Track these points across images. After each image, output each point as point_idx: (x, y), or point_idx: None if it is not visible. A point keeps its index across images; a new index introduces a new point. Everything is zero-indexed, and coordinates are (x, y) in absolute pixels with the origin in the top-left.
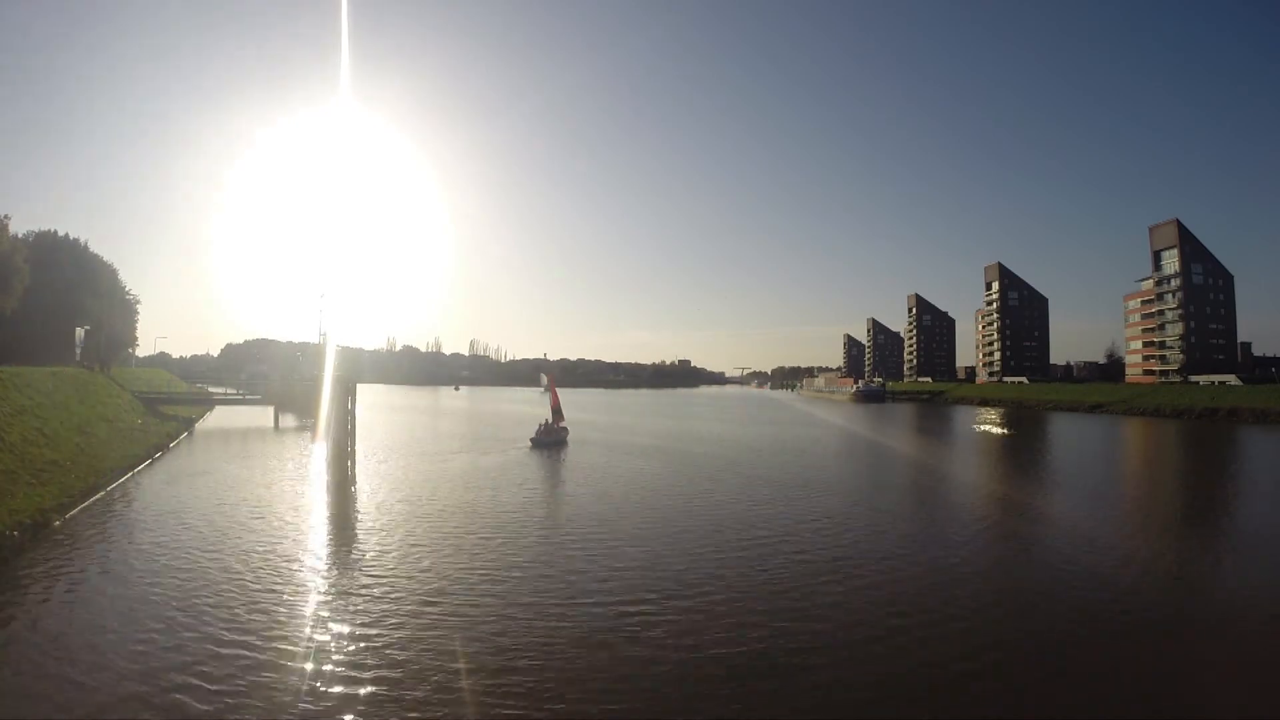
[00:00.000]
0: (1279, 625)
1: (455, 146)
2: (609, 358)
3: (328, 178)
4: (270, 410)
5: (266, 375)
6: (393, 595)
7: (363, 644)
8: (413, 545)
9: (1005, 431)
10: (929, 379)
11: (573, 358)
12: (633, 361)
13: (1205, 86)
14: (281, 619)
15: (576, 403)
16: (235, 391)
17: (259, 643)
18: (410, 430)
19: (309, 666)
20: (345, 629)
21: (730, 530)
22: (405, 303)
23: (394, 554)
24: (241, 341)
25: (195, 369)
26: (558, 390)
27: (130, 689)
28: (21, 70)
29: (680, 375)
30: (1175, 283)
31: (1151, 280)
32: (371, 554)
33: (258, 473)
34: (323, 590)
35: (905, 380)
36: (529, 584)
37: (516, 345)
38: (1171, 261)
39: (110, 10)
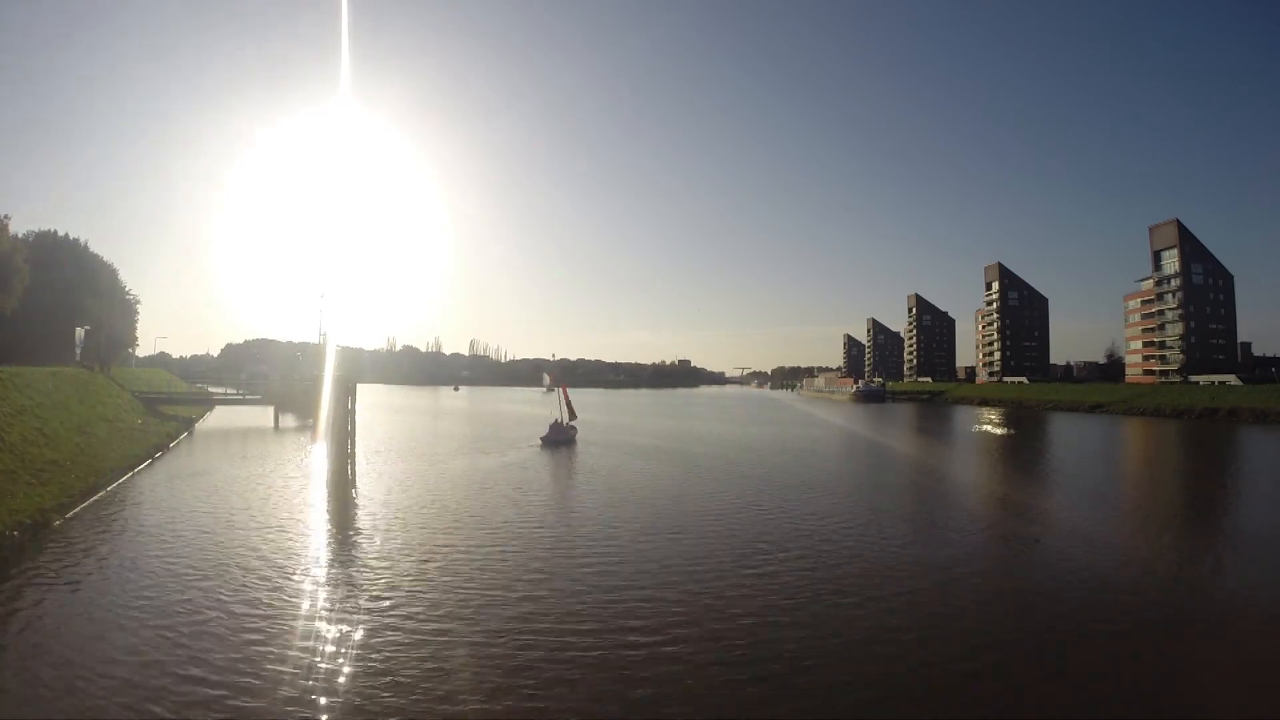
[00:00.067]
0: (1279, 625)
1: (455, 146)
2: (609, 358)
3: (328, 178)
4: (270, 410)
5: (266, 375)
6: (394, 595)
7: (364, 644)
8: (413, 545)
9: (1005, 431)
10: (929, 379)
11: (573, 358)
12: (633, 361)
13: (1205, 86)
14: (282, 619)
15: (576, 403)
16: (235, 391)
17: (260, 643)
18: (410, 431)
19: (311, 667)
20: (346, 629)
21: (729, 530)
22: (405, 303)
23: (395, 554)
24: (241, 341)
25: (195, 369)
26: (561, 388)
27: (131, 689)
28: (21, 70)
29: (680, 375)
30: (1175, 283)
31: (1151, 280)
32: (372, 554)
33: (258, 473)
34: (324, 590)
35: (905, 380)
36: (529, 584)
37: (516, 345)
38: (1171, 261)
39: (110, 10)
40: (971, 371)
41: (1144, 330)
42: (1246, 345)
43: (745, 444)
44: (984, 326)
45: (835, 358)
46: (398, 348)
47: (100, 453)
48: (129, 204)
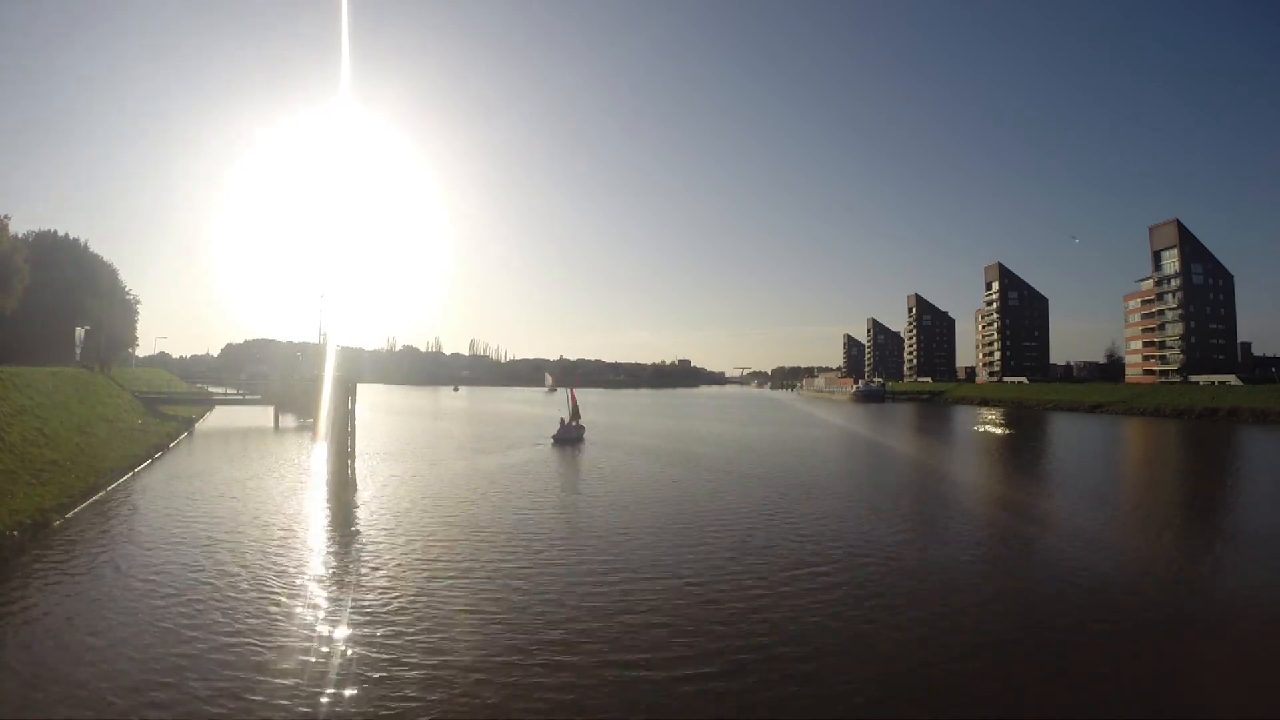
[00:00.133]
0: (1279, 625)
1: (455, 146)
2: (609, 358)
3: (328, 178)
4: (270, 410)
5: (266, 375)
6: (394, 595)
7: (366, 644)
8: (413, 545)
9: (1005, 432)
10: (929, 379)
11: (573, 358)
12: (633, 361)
13: (1205, 86)
14: (283, 619)
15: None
16: (235, 391)
17: (261, 642)
18: (411, 431)
19: (312, 667)
20: (347, 629)
21: (729, 530)
22: (405, 303)
23: (395, 554)
24: (241, 341)
25: (195, 369)
26: (569, 389)
27: (132, 689)
28: (21, 70)
29: (680, 375)
30: (1175, 283)
31: (1151, 280)
32: (373, 555)
33: (258, 473)
34: (325, 591)
35: (905, 380)
36: (529, 584)
37: (516, 345)
38: (1171, 261)
39: (110, 10)
40: (971, 371)
41: (1144, 330)
42: (1246, 345)
43: (745, 444)
44: (984, 326)
45: (835, 358)
46: (398, 348)
47: (100, 453)
48: (129, 204)
